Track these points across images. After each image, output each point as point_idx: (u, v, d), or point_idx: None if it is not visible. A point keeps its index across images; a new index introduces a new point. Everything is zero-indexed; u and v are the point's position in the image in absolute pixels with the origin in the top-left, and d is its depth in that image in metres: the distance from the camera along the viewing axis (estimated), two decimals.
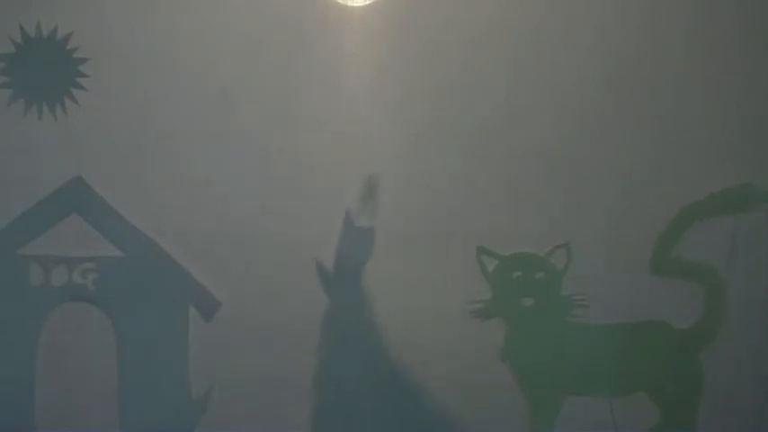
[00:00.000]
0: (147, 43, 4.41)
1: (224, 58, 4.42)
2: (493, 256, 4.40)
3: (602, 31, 4.49)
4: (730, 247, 4.39)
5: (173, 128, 4.42)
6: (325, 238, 4.42)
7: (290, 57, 4.45)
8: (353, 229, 4.41)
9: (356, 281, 4.41)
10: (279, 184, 4.43)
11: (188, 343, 4.42)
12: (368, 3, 4.47)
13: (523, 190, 4.45)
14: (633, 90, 4.47)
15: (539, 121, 4.47)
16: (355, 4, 4.47)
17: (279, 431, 4.39)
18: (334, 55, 4.45)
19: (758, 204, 4.43)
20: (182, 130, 4.42)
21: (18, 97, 4.41)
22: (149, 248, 4.41)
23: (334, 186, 4.43)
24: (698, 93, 4.49)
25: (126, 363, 4.39)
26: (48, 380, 4.38)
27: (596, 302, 4.37)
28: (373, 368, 4.41)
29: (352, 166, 4.43)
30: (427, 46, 4.47)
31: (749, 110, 4.50)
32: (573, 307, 4.40)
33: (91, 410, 4.37)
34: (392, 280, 4.39)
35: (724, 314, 4.40)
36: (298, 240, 4.40)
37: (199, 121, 4.42)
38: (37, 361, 4.38)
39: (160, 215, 4.42)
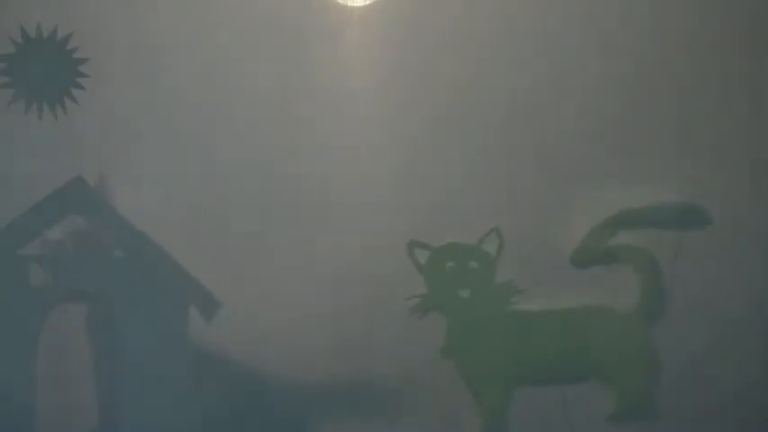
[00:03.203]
0: (147, 43, 4.41)
1: (224, 58, 4.42)
2: (424, 248, 4.30)
3: (604, 31, 4.50)
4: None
5: (172, 128, 4.42)
6: (326, 238, 4.42)
7: (291, 57, 4.45)
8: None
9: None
10: (279, 185, 4.43)
11: (188, 343, 4.42)
12: (368, 3, 4.47)
13: (524, 189, 4.45)
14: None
15: (539, 121, 4.47)
16: (355, 4, 4.47)
17: (279, 431, 4.40)
18: (334, 55, 4.45)
19: (700, 225, 4.39)
20: (182, 130, 4.42)
21: (18, 97, 4.41)
22: (149, 248, 4.41)
23: (334, 186, 4.43)
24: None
25: (126, 363, 4.39)
26: (47, 380, 4.38)
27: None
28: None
29: (352, 165, 4.43)
30: (427, 46, 4.47)
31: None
32: (510, 294, 4.34)
33: (90, 410, 4.37)
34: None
35: (665, 291, 4.34)
36: (298, 241, 4.40)
37: (199, 121, 4.42)
38: (37, 361, 4.38)
39: (160, 215, 4.42)
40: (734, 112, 4.52)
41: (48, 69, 4.42)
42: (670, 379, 4.42)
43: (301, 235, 4.41)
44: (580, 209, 4.42)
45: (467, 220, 4.41)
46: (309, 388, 4.40)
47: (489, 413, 4.29)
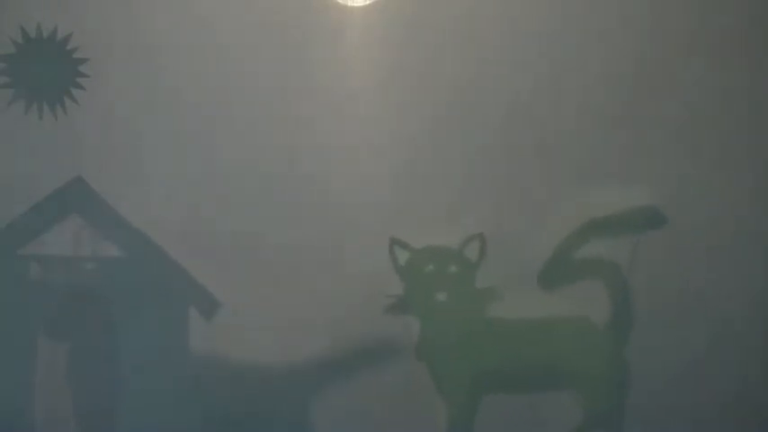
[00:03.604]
0: (147, 43, 4.41)
1: (224, 58, 4.42)
2: (405, 248, 4.32)
3: (604, 31, 4.49)
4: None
5: (172, 128, 4.42)
6: (326, 238, 4.41)
7: (291, 57, 4.45)
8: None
9: None
10: (279, 185, 4.43)
11: (188, 343, 4.42)
12: (368, 3, 4.47)
13: (524, 189, 4.45)
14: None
15: (539, 121, 4.47)
16: (355, 4, 4.47)
17: (278, 431, 4.40)
18: (334, 55, 4.45)
19: (658, 226, 4.38)
20: (181, 130, 4.42)
21: (18, 97, 4.41)
22: (149, 248, 4.41)
23: (334, 186, 4.43)
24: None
25: (126, 363, 4.39)
26: (47, 380, 4.38)
27: None
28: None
29: (352, 165, 4.43)
30: (427, 46, 4.47)
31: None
32: (488, 300, 4.34)
33: (90, 410, 4.37)
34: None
35: (633, 305, 4.34)
36: (298, 241, 4.40)
37: (198, 121, 4.42)
38: (37, 361, 4.38)
39: (160, 215, 4.42)
40: (734, 112, 4.52)
41: (48, 69, 4.42)
42: (670, 379, 4.42)
43: (301, 235, 4.41)
44: (580, 209, 4.43)
45: (467, 221, 4.41)
46: (309, 388, 4.40)
47: (455, 418, 4.29)
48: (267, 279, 4.39)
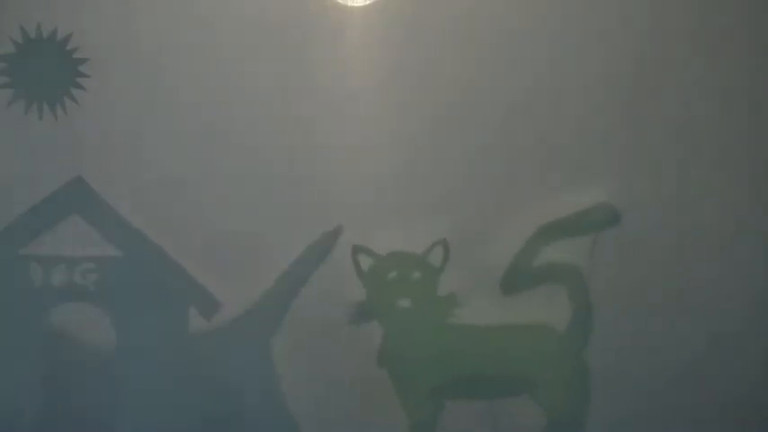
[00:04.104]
0: (147, 43, 4.41)
1: (224, 57, 4.42)
2: (369, 255, 4.32)
3: (604, 31, 4.49)
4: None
5: (173, 128, 4.42)
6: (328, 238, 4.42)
7: (291, 57, 4.45)
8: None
9: None
10: (279, 185, 4.43)
11: (188, 343, 4.41)
12: (368, 3, 4.47)
13: (524, 188, 4.45)
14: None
15: (539, 121, 4.47)
16: (355, 4, 4.47)
17: (278, 431, 4.40)
18: (334, 55, 4.45)
19: (613, 224, 4.36)
20: (181, 131, 4.42)
21: (18, 97, 4.41)
22: (149, 248, 4.41)
23: (334, 186, 4.43)
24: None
25: (126, 363, 4.39)
26: (47, 380, 4.38)
27: None
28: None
29: (352, 165, 4.43)
30: (427, 46, 4.47)
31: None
32: (452, 306, 4.33)
33: (90, 410, 4.37)
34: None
35: (592, 308, 4.34)
36: (298, 241, 4.40)
37: (198, 121, 4.42)
38: (37, 361, 4.38)
39: (160, 215, 4.42)
40: (734, 112, 4.51)
41: (48, 69, 4.42)
42: (670, 379, 4.42)
43: (301, 235, 4.41)
44: (580, 210, 4.43)
45: (467, 221, 4.41)
46: (310, 388, 4.40)
47: (417, 424, 4.29)
48: (267, 279, 4.39)
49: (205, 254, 4.41)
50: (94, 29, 4.41)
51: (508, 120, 4.46)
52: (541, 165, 4.46)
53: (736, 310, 4.46)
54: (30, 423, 4.37)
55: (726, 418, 4.43)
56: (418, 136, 4.46)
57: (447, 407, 4.33)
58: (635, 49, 4.49)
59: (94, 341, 4.40)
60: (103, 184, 4.42)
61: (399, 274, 4.31)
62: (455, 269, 4.34)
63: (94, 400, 4.38)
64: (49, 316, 4.39)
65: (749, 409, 4.45)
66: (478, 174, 4.46)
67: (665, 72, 4.49)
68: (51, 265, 4.40)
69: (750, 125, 4.52)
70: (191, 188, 4.41)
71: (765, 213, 4.50)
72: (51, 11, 4.40)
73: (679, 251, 4.47)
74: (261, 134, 4.44)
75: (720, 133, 4.51)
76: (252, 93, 4.43)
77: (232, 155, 4.43)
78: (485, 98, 4.47)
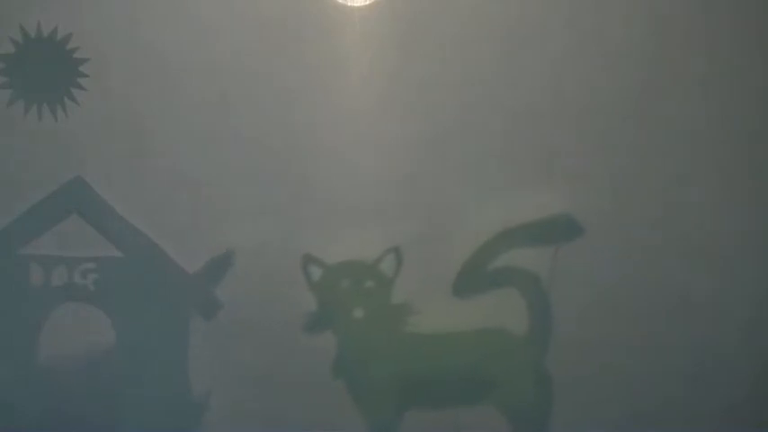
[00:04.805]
0: (147, 44, 4.41)
1: (224, 58, 4.42)
2: (318, 264, 4.30)
3: (605, 34, 4.50)
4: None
5: (173, 128, 4.42)
6: (326, 238, 4.41)
7: (291, 57, 4.45)
8: None
9: None
10: (279, 185, 4.43)
11: (188, 343, 4.42)
12: (368, 3, 4.47)
13: (524, 192, 4.45)
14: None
15: (539, 120, 4.47)
16: (355, 4, 4.47)
17: (278, 431, 4.40)
18: (334, 55, 4.45)
19: (574, 236, 4.35)
20: (181, 131, 4.42)
21: (18, 97, 4.42)
22: (149, 248, 4.41)
23: (333, 186, 4.43)
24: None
25: (125, 363, 4.39)
26: (47, 380, 4.38)
27: None
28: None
29: (352, 165, 4.43)
30: (427, 45, 4.47)
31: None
32: (406, 315, 4.30)
33: (90, 410, 4.38)
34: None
35: (552, 317, 4.32)
36: (298, 241, 4.40)
37: (199, 121, 4.43)
38: (37, 361, 4.38)
39: (160, 215, 4.42)
40: (734, 112, 4.52)
41: (48, 69, 4.42)
42: (670, 379, 4.43)
43: (301, 235, 4.41)
44: (578, 210, 4.43)
45: (467, 222, 4.41)
46: (310, 388, 4.40)
47: None
48: (267, 279, 4.39)
49: (205, 254, 4.41)
50: (94, 29, 4.42)
51: (509, 121, 4.46)
52: (543, 167, 4.46)
53: (736, 311, 4.47)
54: (30, 423, 4.37)
55: (726, 418, 4.43)
56: (419, 136, 4.46)
57: (409, 416, 4.31)
58: (635, 49, 4.49)
59: (94, 341, 4.41)
60: (103, 184, 4.42)
61: (351, 283, 4.28)
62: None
63: (94, 400, 4.38)
64: (48, 316, 4.39)
65: (749, 409, 4.45)
66: (478, 175, 4.46)
67: (666, 73, 4.49)
68: (51, 265, 4.40)
69: (750, 125, 4.52)
70: (191, 188, 4.41)
71: (766, 214, 4.50)
72: (51, 11, 4.40)
73: (679, 251, 4.47)
74: (261, 134, 4.44)
75: (720, 133, 4.51)
76: (251, 93, 4.43)
77: (232, 155, 4.43)
78: (485, 97, 4.47)
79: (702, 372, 4.44)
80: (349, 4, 4.47)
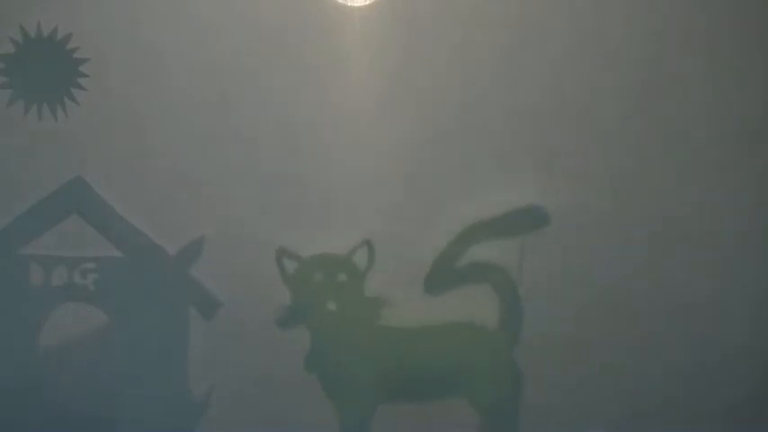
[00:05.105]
0: (147, 44, 4.41)
1: (224, 58, 4.42)
2: (292, 258, 4.29)
3: (606, 34, 4.50)
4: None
5: (173, 128, 4.42)
6: (326, 238, 4.41)
7: (291, 57, 4.45)
8: None
9: None
10: (279, 185, 4.43)
11: (188, 343, 4.42)
12: (368, 3, 4.47)
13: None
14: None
15: (539, 120, 4.47)
16: (355, 4, 4.47)
17: (278, 431, 4.40)
18: (334, 55, 4.45)
19: (542, 226, 4.35)
20: (181, 131, 4.42)
21: (18, 97, 4.42)
22: (149, 248, 4.41)
23: (334, 186, 4.43)
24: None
25: (125, 363, 4.39)
26: (47, 380, 4.38)
27: None
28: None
29: (352, 165, 4.43)
30: (427, 45, 4.47)
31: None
32: (379, 308, 4.30)
33: (90, 410, 4.37)
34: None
35: (521, 307, 4.32)
36: (298, 241, 4.40)
37: (199, 122, 4.43)
38: (37, 361, 4.38)
39: (160, 215, 4.42)
40: (734, 112, 4.52)
41: (48, 69, 4.42)
42: (670, 379, 4.43)
43: (301, 235, 4.41)
44: (578, 210, 4.43)
45: (467, 221, 4.41)
46: (309, 388, 4.40)
47: (348, 427, 4.27)
48: (266, 279, 4.39)
49: (205, 254, 4.41)
50: (94, 29, 4.42)
51: (509, 120, 4.46)
52: (543, 167, 4.46)
53: (736, 311, 4.47)
54: (30, 423, 4.37)
55: (726, 418, 4.43)
56: (418, 136, 4.46)
57: (382, 409, 4.30)
58: (635, 49, 4.49)
59: (94, 341, 4.40)
60: (103, 184, 4.42)
61: (324, 276, 4.27)
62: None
63: (94, 399, 4.38)
64: (48, 316, 4.39)
65: (749, 409, 4.45)
66: (478, 174, 4.46)
67: (666, 74, 4.49)
68: (51, 265, 4.40)
69: (751, 125, 4.52)
70: (191, 188, 4.41)
71: (766, 214, 4.50)
72: (51, 11, 4.40)
73: (679, 251, 4.47)
74: (261, 134, 4.44)
75: (720, 133, 4.51)
76: (252, 93, 4.43)
77: (232, 155, 4.43)
78: (485, 97, 4.47)
79: (703, 372, 4.44)
80: (349, 4, 4.47)
